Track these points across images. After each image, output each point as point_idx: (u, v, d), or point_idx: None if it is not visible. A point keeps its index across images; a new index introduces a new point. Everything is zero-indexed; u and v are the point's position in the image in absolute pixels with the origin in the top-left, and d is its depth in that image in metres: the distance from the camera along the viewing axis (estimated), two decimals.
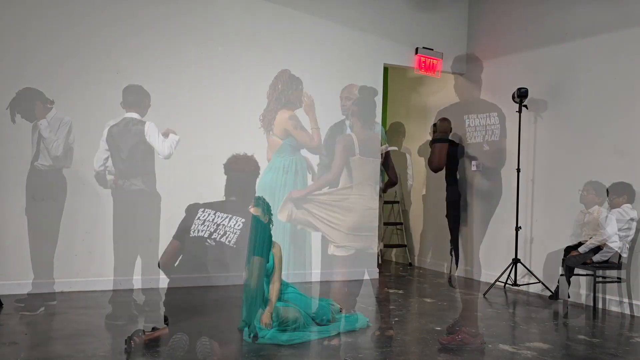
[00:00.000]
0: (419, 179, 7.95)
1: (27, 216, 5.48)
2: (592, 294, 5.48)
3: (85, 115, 5.70)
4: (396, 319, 5.01)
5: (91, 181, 5.72)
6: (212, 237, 3.85)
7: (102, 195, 5.75)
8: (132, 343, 3.83)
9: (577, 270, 5.52)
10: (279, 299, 4.55)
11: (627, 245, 5.32)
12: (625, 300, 5.39)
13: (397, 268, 7.46)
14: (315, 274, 6.61)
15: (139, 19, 5.90)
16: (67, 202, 5.62)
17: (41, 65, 5.54)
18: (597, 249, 5.35)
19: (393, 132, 7.64)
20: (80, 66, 5.68)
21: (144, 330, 4.08)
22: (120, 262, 5.81)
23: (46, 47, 5.56)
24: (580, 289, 5.86)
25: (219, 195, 5.10)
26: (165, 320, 4.02)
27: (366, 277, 6.87)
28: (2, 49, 5.42)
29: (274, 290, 4.47)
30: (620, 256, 5.32)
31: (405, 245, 8.41)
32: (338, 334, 4.41)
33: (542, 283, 6.22)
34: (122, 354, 3.76)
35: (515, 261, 6.37)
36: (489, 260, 6.93)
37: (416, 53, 7.14)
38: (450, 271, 7.66)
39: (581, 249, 5.44)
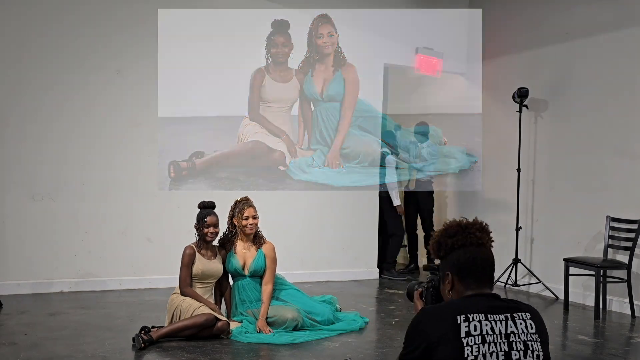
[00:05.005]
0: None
1: (27, 216, 5.48)
2: (592, 294, 5.47)
3: (84, 115, 5.70)
4: (396, 319, 5.00)
5: (91, 181, 5.73)
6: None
7: (102, 195, 5.75)
8: (141, 340, 3.85)
9: (578, 270, 5.52)
10: (277, 298, 4.53)
11: None
12: (626, 300, 5.38)
13: (397, 268, 7.43)
14: (316, 274, 6.62)
15: (141, 19, 5.89)
16: (67, 202, 5.63)
17: (39, 62, 5.53)
18: None
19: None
20: (80, 66, 5.67)
21: (150, 327, 4.09)
22: (119, 262, 5.82)
23: (46, 45, 5.56)
24: (581, 289, 5.85)
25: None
26: None
27: (366, 277, 6.89)
28: (2, 47, 5.41)
29: (266, 293, 4.45)
30: None
31: (405, 246, 8.40)
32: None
33: (543, 283, 6.21)
34: (123, 354, 3.76)
35: (516, 261, 6.36)
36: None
37: (416, 53, 7.14)
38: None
39: None
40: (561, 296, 5.78)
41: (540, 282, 6.23)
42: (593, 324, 5.12)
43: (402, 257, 8.39)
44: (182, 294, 4.30)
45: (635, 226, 5.36)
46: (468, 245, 2.05)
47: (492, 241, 2.11)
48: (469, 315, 1.90)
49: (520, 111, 6.42)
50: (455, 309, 1.94)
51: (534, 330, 1.94)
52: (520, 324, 1.93)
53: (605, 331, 4.93)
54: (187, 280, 4.33)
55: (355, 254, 6.93)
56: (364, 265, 6.98)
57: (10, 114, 5.45)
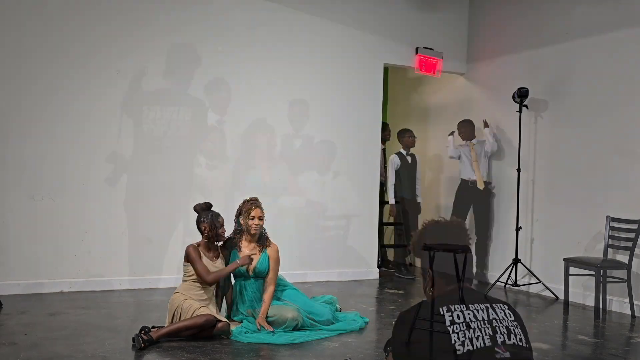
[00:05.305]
0: (423, 182, 7.94)
1: (27, 216, 5.48)
2: (592, 294, 5.48)
3: (84, 115, 5.70)
4: (396, 319, 4.99)
5: (91, 181, 5.73)
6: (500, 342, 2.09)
7: (102, 195, 5.76)
8: (141, 340, 3.86)
9: (578, 270, 5.52)
10: (277, 298, 4.54)
11: None
12: (626, 300, 5.39)
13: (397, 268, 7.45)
14: (316, 274, 6.61)
15: (141, 20, 5.90)
16: (67, 202, 5.63)
17: (40, 63, 5.54)
18: None
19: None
20: (80, 66, 5.67)
21: (150, 327, 4.09)
22: (119, 262, 5.82)
23: (45, 44, 5.56)
24: (581, 289, 5.85)
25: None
26: None
27: (366, 277, 6.89)
28: (2, 47, 5.42)
29: (268, 293, 4.47)
30: None
31: (405, 246, 8.40)
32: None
33: (543, 283, 6.21)
34: (123, 354, 3.76)
35: (516, 261, 6.36)
36: (490, 260, 6.94)
37: (416, 53, 7.14)
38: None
39: None
40: (561, 296, 5.79)
41: (540, 282, 6.23)
42: (593, 324, 5.12)
43: (401, 256, 8.40)
44: (210, 280, 4.26)
45: (635, 226, 5.36)
46: (447, 242, 2.12)
47: (470, 239, 2.18)
48: (450, 306, 1.97)
49: (520, 111, 6.42)
50: (436, 304, 2.02)
51: (512, 319, 2.02)
52: (500, 312, 2.01)
53: (605, 331, 4.93)
54: (206, 269, 4.29)
55: (355, 254, 6.93)
56: (364, 265, 6.98)
57: (11, 114, 5.45)
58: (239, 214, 4.58)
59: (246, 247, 4.56)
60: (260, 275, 4.50)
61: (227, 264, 4.50)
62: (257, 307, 4.45)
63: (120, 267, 5.83)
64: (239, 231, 4.58)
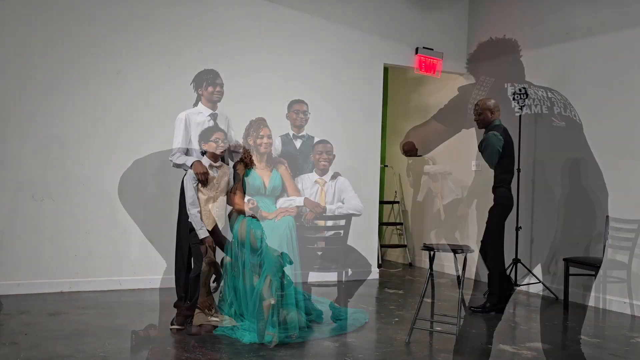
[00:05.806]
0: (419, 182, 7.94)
1: (27, 216, 5.49)
2: (592, 294, 5.48)
3: (84, 114, 5.71)
4: (396, 319, 5.00)
5: (91, 181, 5.73)
6: None
7: (102, 195, 5.76)
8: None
9: (578, 270, 5.52)
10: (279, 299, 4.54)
11: None
12: (626, 300, 5.39)
13: (397, 268, 7.46)
14: (316, 274, 6.61)
15: (140, 18, 5.90)
16: (67, 202, 5.63)
17: (40, 63, 5.54)
18: None
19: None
20: (80, 66, 5.67)
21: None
22: (119, 262, 5.82)
23: (46, 44, 5.56)
24: (581, 289, 5.85)
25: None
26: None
27: (366, 277, 6.88)
28: (2, 47, 5.42)
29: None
30: None
31: (405, 246, 8.41)
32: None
33: (543, 283, 6.22)
34: (123, 354, 3.77)
35: (516, 261, 6.36)
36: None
37: (416, 53, 7.14)
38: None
39: None
40: (561, 296, 5.79)
41: (540, 282, 6.23)
42: (593, 324, 5.12)
43: (401, 256, 8.40)
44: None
45: (635, 226, 5.37)
46: None
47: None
48: None
49: (520, 111, 6.41)
50: None
51: None
52: None
53: (605, 331, 4.93)
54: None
55: (355, 254, 6.93)
56: (364, 265, 6.97)
57: (11, 113, 5.45)
58: (247, 135, 4.60)
59: (257, 167, 4.58)
60: (275, 192, 4.54)
61: (243, 184, 4.52)
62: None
63: (120, 267, 5.83)
64: (248, 152, 4.58)
